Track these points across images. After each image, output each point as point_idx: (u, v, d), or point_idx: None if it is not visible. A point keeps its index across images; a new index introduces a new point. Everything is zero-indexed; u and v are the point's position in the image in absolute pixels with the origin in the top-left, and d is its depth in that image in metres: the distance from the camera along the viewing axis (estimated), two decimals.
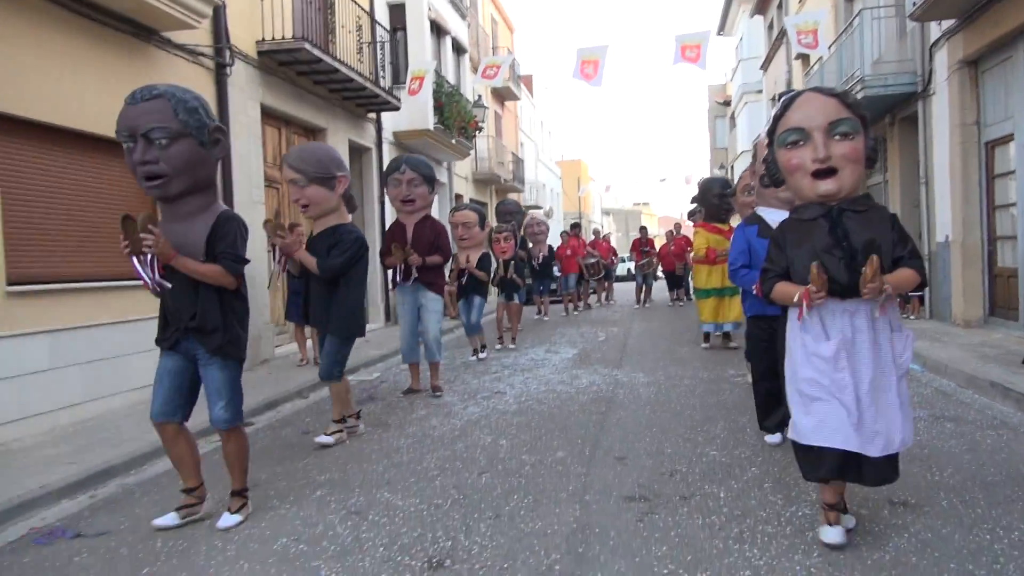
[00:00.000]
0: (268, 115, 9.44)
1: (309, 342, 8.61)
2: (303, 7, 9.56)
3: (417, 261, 6.35)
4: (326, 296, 4.92)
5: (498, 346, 9.90)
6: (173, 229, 3.33)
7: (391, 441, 5.09)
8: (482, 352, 8.99)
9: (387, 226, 8.69)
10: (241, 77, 8.57)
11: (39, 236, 5.81)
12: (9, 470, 4.46)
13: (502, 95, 24.64)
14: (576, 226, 16.61)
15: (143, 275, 3.27)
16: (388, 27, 13.58)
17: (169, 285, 3.31)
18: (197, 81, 7.70)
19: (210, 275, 3.32)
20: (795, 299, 2.77)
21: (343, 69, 10.07)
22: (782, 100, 2.89)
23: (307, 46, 9.02)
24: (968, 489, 3.63)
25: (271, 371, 8.24)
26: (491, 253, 9.17)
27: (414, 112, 13.67)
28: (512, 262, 9.70)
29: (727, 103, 31.95)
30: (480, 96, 18.99)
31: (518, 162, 25.86)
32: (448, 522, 3.46)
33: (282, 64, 9.37)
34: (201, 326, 3.34)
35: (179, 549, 3.29)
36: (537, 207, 30.47)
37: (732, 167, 29.43)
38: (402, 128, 13.93)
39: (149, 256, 3.24)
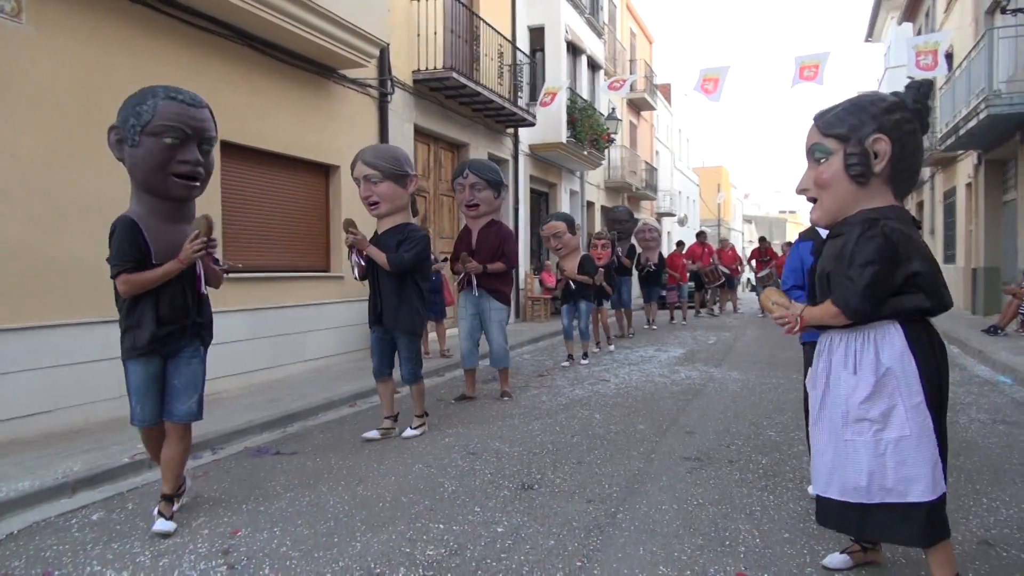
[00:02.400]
0: (419, 133, 10.90)
1: (433, 335, 9.20)
2: (453, 40, 10.95)
3: (475, 268, 6.28)
4: (396, 295, 5.05)
5: (595, 349, 10.14)
6: (180, 229, 3.45)
7: (507, 410, 6.25)
8: (583, 359, 8.99)
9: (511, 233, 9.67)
10: (399, 102, 10.06)
11: (245, 235, 7.43)
12: (224, 411, 5.97)
13: (637, 106, 25.43)
14: (702, 234, 16.99)
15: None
16: (529, 48, 14.90)
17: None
18: (364, 108, 9.25)
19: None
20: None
21: (484, 92, 11.41)
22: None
23: (454, 75, 10.41)
24: (979, 471, 4.31)
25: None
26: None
27: (548, 126, 14.90)
28: (604, 269, 9.39)
29: None
30: (614, 109, 19.95)
31: (651, 170, 26.53)
32: (540, 464, 4.56)
33: (432, 90, 10.81)
34: (202, 322, 3.59)
35: (346, 467, 4.59)
36: (670, 214, 30.93)
37: None
38: (537, 141, 15.18)
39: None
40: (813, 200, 2.64)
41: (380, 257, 4.98)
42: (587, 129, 16.46)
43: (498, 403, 6.57)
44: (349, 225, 5.02)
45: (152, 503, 3.82)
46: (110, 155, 3.45)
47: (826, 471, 2.58)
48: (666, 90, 32.81)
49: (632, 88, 23.71)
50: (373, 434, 5.24)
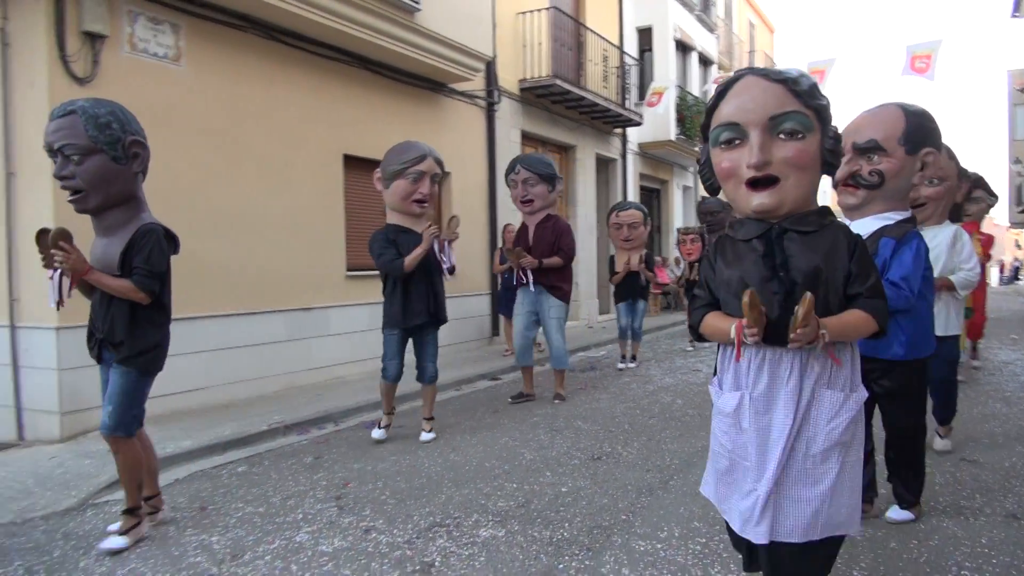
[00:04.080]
0: (526, 138, 11.54)
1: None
2: (557, 49, 11.52)
3: (530, 263, 6.16)
4: (438, 286, 5.20)
5: (689, 348, 10.13)
6: (100, 243, 3.34)
7: (595, 395, 6.77)
8: (631, 362, 8.41)
9: None
10: (506, 110, 10.75)
11: (366, 235, 8.32)
12: (345, 391, 6.83)
13: None
14: None
15: (49, 289, 3.27)
16: (637, 49, 15.23)
17: (64, 304, 3.33)
18: (472, 117, 10.00)
19: (120, 290, 3.24)
20: (731, 334, 2.08)
21: (589, 96, 11.90)
22: (718, 86, 2.21)
23: (558, 81, 10.98)
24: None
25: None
26: (680, 254, 9.21)
27: (657, 125, 15.18)
28: (697, 264, 9.03)
29: None
30: None
31: None
32: (613, 440, 5.07)
33: (538, 96, 11.42)
34: (109, 338, 3.31)
35: (442, 439, 5.28)
36: None
37: None
38: (646, 139, 15.49)
39: (58, 271, 3.24)
40: (762, 181, 2.07)
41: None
42: (697, 125, 16.57)
43: (589, 390, 7.09)
44: (453, 223, 5.26)
45: (283, 463, 4.67)
46: (251, 174, 4.26)
47: (799, 513, 2.09)
48: None
49: None
50: (379, 433, 5.19)
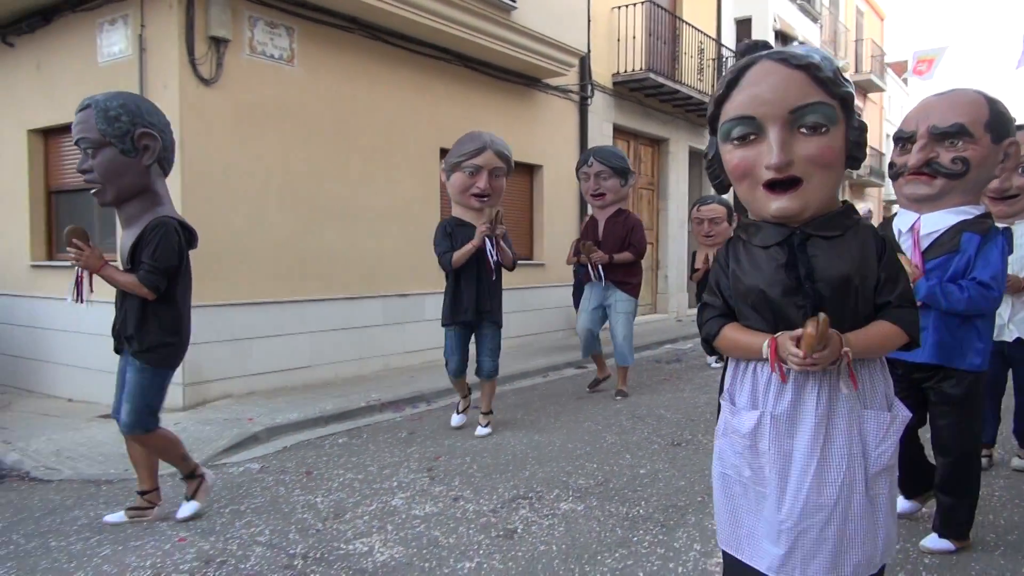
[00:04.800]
0: (618, 131, 11.63)
1: None
2: (652, 42, 11.54)
3: (601, 258, 6.06)
4: (496, 285, 5.10)
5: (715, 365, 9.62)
6: (123, 236, 3.38)
7: (679, 386, 6.88)
8: (717, 361, 7.91)
9: None
10: (599, 104, 10.88)
11: None
12: (439, 374, 7.16)
13: (863, 88, 24.08)
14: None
15: (70, 285, 3.38)
16: (735, 40, 15.01)
17: (84, 302, 3.37)
18: (565, 111, 10.18)
19: (127, 285, 3.23)
20: (763, 353, 1.85)
21: (684, 89, 11.87)
22: (728, 71, 1.93)
23: (651, 75, 11.02)
24: None
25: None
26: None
27: None
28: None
29: None
30: None
31: (878, 156, 25.01)
32: (694, 428, 5.19)
33: (632, 90, 11.49)
34: (123, 331, 3.35)
35: (529, 420, 5.53)
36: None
37: None
38: None
39: (78, 269, 3.30)
40: (783, 183, 1.84)
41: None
42: None
43: (674, 380, 7.19)
44: (496, 217, 4.95)
45: (380, 437, 5.03)
46: (357, 169, 4.60)
47: (830, 550, 1.86)
48: (901, 67, 30.49)
49: (854, 70, 22.63)
50: (460, 419, 5.33)
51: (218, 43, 5.96)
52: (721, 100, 1.91)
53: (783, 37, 16.52)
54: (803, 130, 1.81)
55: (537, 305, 9.58)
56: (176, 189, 5.76)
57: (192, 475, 3.59)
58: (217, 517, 3.56)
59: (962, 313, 2.82)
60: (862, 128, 1.90)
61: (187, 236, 3.43)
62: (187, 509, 3.54)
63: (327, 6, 6.71)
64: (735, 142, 1.88)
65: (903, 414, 1.93)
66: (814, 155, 1.81)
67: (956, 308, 2.80)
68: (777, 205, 1.86)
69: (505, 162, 5.04)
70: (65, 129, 6.80)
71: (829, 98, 1.81)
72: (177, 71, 5.76)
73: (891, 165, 3.06)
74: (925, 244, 2.92)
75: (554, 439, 4.94)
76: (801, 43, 17.31)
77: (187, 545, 3.22)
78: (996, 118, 2.82)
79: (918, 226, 2.94)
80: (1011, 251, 3.50)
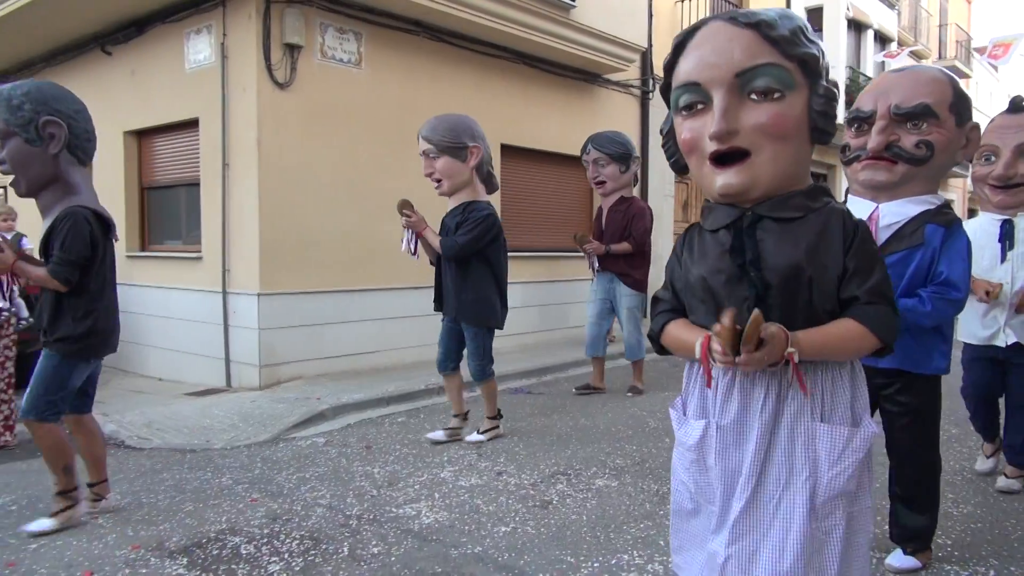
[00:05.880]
0: None
1: None
2: None
3: (596, 249, 5.88)
4: (459, 279, 4.58)
5: None
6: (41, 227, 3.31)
7: None
8: None
9: None
10: (660, 98, 10.95)
11: (520, 220, 8.97)
12: (497, 360, 7.51)
13: None
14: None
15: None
16: None
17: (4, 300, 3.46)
18: (626, 106, 10.34)
19: (39, 279, 3.16)
20: (696, 352, 1.65)
21: None
22: (676, 37, 1.75)
23: None
24: None
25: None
26: None
27: None
28: None
29: None
30: None
31: None
32: None
33: None
34: (38, 322, 3.32)
35: (577, 406, 5.79)
36: None
37: None
38: None
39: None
40: (729, 156, 1.64)
41: (434, 241, 4.60)
42: None
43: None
44: (404, 206, 4.61)
45: (435, 417, 5.39)
46: (417, 164, 4.90)
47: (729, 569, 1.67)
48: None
49: (937, 55, 21.85)
50: (438, 435, 4.72)
51: (292, 49, 6.40)
52: (670, 67, 1.75)
53: (856, 25, 16.14)
54: (753, 96, 1.60)
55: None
56: (253, 185, 6.25)
57: (66, 494, 3.33)
58: (285, 482, 3.97)
59: (928, 326, 2.56)
60: (829, 96, 1.65)
61: (103, 226, 3.30)
62: (39, 524, 3.28)
63: (393, 10, 7.09)
64: (683, 113, 1.71)
65: (867, 432, 1.65)
66: (763, 123, 1.59)
67: (923, 324, 2.53)
68: (721, 181, 1.66)
69: (432, 143, 4.50)
70: (157, 131, 7.44)
71: (784, 59, 1.59)
72: (255, 76, 6.22)
73: (844, 148, 2.77)
74: (884, 236, 2.61)
75: (599, 422, 5.19)
76: (877, 30, 16.89)
77: (258, 505, 3.63)
78: (960, 99, 2.59)
79: (877, 216, 2.63)
80: (1012, 246, 3.35)
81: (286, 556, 3.02)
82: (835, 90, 1.67)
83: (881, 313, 1.61)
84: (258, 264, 6.28)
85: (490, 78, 8.28)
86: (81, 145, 3.28)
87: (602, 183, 5.93)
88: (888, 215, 2.61)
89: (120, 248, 7.77)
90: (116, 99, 7.56)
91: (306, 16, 6.50)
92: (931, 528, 2.78)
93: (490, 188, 4.81)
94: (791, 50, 1.59)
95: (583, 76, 9.50)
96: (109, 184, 7.71)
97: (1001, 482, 3.73)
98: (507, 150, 8.58)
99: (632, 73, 10.32)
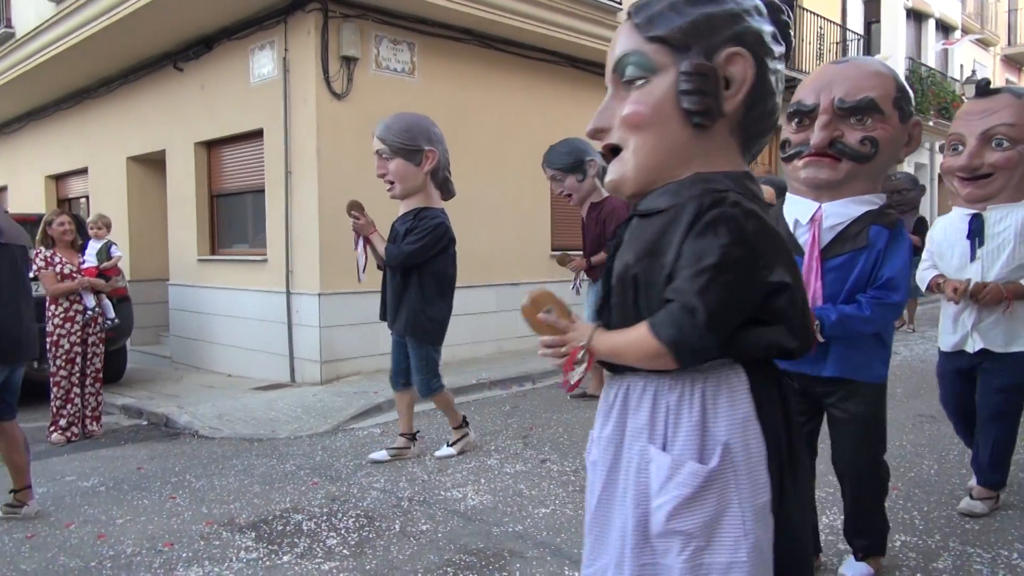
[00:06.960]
0: None
1: None
2: None
3: (578, 266, 5.83)
4: (400, 289, 4.23)
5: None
6: None
7: None
8: None
9: None
10: None
11: (564, 220, 9.16)
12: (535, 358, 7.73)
13: (1017, 62, 22.41)
14: None
15: None
16: (863, 21, 14.58)
17: None
18: None
19: None
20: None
21: (800, 77, 11.74)
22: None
23: None
24: None
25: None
26: None
27: None
28: None
29: None
30: (974, 71, 18.13)
31: None
32: None
33: None
34: None
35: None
36: None
37: None
38: None
39: None
40: (613, 150, 1.55)
41: (380, 247, 4.28)
42: (931, 98, 15.46)
43: None
44: (353, 207, 4.32)
45: (485, 409, 5.64)
46: (470, 166, 5.18)
47: None
48: None
49: (1006, 42, 21.18)
50: (381, 455, 4.40)
51: (349, 61, 6.74)
52: None
53: (916, 15, 15.79)
54: (621, 85, 1.51)
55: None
56: (314, 191, 6.62)
57: (17, 490, 3.58)
58: (343, 468, 4.28)
59: (869, 332, 2.46)
60: (698, 72, 1.42)
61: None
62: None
63: (444, 20, 7.37)
64: None
65: (694, 468, 1.39)
66: (623, 116, 1.49)
67: (864, 331, 2.43)
68: (607, 177, 1.58)
69: (385, 143, 4.24)
70: (224, 141, 7.90)
71: (644, 43, 1.46)
72: (315, 88, 6.59)
73: (784, 144, 2.58)
74: (828, 238, 2.47)
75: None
76: (939, 19, 16.49)
77: (318, 488, 3.94)
78: (903, 94, 2.45)
79: (820, 216, 2.48)
80: (981, 243, 3.09)
81: (343, 532, 3.31)
82: (707, 65, 1.43)
83: (670, 310, 1.38)
84: (319, 265, 6.65)
85: (538, 81, 8.50)
86: None
87: (569, 196, 5.74)
88: (831, 216, 2.47)
89: (192, 252, 8.38)
90: (187, 112, 8.05)
91: (362, 29, 6.83)
92: (885, 529, 2.69)
93: (446, 195, 4.57)
94: (648, 31, 1.46)
95: None
96: (180, 192, 8.22)
97: (964, 504, 3.36)
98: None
99: None
